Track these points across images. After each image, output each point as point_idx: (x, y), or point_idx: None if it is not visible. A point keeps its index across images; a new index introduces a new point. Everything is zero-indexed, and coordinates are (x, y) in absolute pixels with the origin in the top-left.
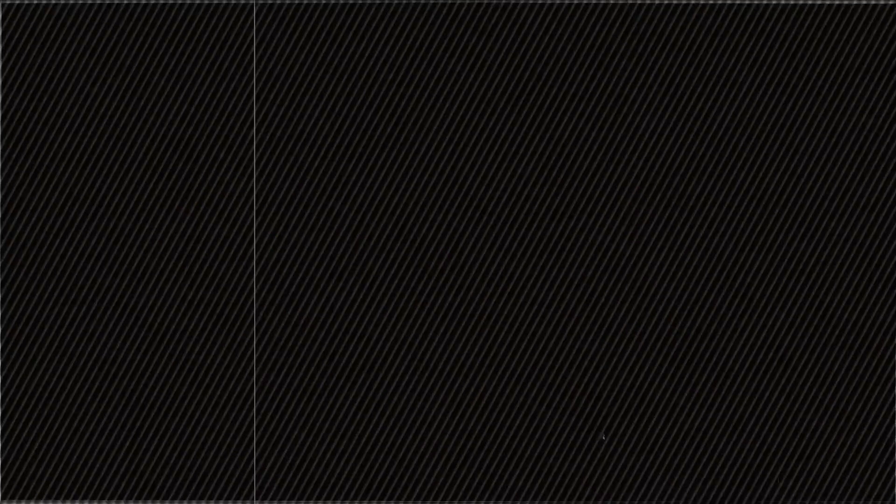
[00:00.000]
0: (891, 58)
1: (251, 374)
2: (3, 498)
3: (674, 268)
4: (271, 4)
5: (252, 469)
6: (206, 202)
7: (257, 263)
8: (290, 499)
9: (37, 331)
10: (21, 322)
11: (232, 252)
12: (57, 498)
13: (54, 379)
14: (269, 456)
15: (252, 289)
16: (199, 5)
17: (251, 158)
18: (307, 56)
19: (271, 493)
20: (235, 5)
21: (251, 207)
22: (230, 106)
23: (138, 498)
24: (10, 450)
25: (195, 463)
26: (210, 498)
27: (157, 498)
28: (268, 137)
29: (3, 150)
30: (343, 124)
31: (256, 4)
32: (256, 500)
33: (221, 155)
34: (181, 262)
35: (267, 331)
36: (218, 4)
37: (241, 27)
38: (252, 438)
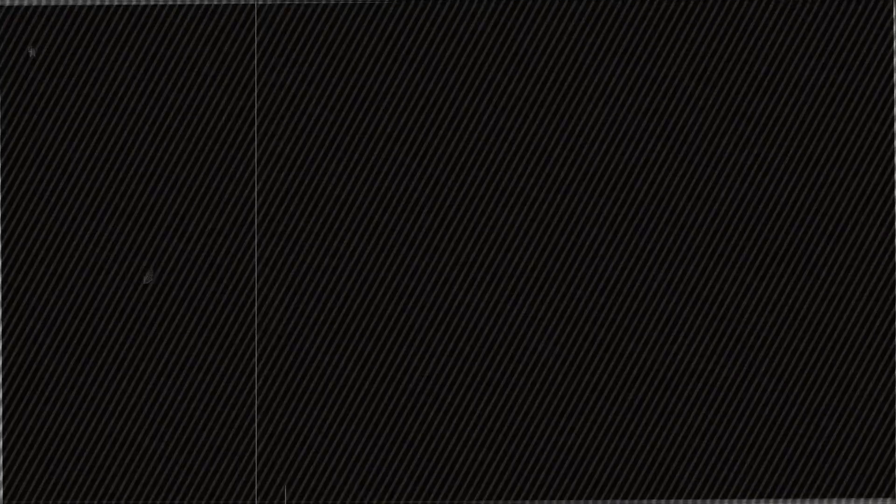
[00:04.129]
0: (885, 51)
1: (251, 374)
2: (6, 501)
3: (675, 264)
4: (271, 5)
5: (254, 470)
6: (206, 202)
7: (258, 261)
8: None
9: (38, 334)
10: (22, 325)
11: (233, 252)
12: (59, 501)
13: (56, 382)
14: (269, 459)
15: (254, 287)
16: (199, 6)
17: (252, 157)
18: (308, 56)
19: (270, 495)
20: (235, 6)
21: (251, 208)
22: (230, 106)
23: (137, 499)
24: (12, 453)
25: (199, 465)
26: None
27: (156, 500)
28: (268, 136)
29: (3, 150)
30: (344, 124)
31: (257, 5)
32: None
33: (222, 155)
34: (183, 262)
35: (268, 331)
36: (217, 5)
37: (242, 28)
38: (253, 441)
